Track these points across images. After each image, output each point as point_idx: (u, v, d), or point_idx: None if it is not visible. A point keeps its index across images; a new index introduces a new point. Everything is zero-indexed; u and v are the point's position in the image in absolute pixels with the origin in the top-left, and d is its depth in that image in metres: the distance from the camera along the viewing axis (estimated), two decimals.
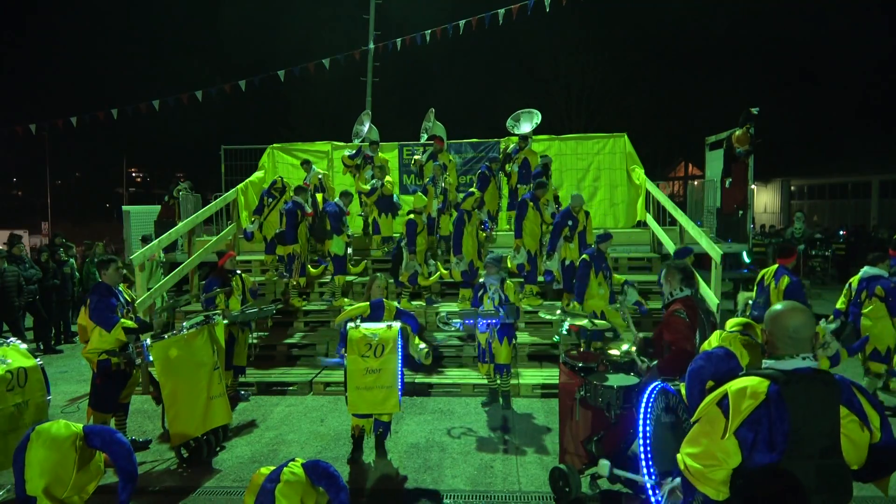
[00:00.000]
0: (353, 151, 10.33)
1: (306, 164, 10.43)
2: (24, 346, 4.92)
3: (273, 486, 3.25)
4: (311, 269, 9.17)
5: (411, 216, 8.43)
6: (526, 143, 9.89)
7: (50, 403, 4.87)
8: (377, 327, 4.96)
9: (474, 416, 6.30)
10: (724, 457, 2.13)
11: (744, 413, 2.10)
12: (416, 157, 10.65)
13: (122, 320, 5.20)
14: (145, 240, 10.82)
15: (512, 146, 10.19)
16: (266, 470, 3.41)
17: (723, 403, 2.17)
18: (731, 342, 3.03)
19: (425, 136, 10.89)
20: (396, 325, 5.00)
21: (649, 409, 3.06)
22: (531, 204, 8.37)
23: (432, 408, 6.55)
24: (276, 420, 6.29)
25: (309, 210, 8.82)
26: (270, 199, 9.10)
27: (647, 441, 3.00)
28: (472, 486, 4.73)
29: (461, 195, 8.71)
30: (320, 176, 10.30)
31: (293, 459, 3.47)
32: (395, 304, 5.55)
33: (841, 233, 17.09)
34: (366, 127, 10.93)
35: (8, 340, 4.88)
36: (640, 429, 3.03)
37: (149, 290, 7.98)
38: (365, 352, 4.83)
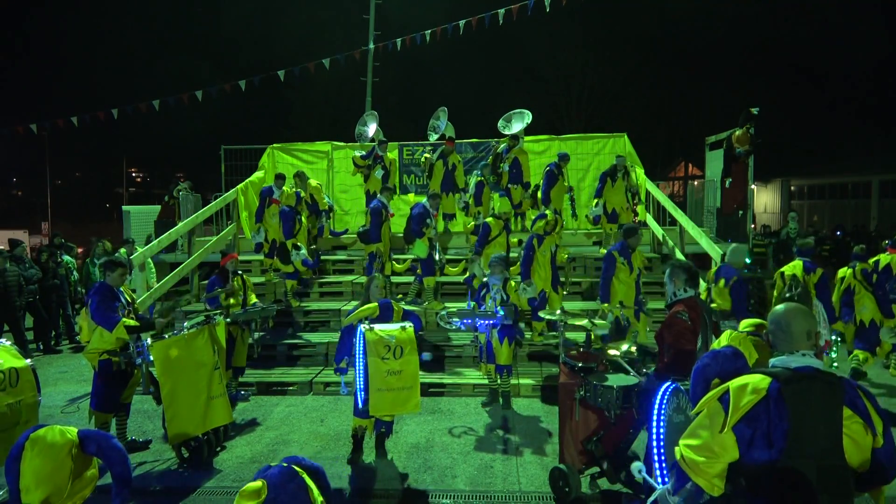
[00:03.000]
0: (365, 153, 10.26)
1: (280, 180, 9.52)
2: (8, 344, 4.82)
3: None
4: (397, 266, 9.03)
5: (489, 219, 7.98)
6: (516, 143, 9.88)
7: (42, 404, 4.78)
8: (392, 329, 4.95)
9: (474, 416, 6.29)
10: (721, 451, 2.15)
11: (743, 409, 2.12)
12: (426, 155, 10.57)
13: (124, 319, 5.21)
14: (132, 243, 10.85)
15: (503, 146, 10.19)
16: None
17: (724, 398, 2.20)
18: (740, 342, 3.03)
19: (435, 136, 10.79)
20: (409, 326, 5.01)
21: (662, 410, 3.04)
22: (620, 258, 6.81)
23: (432, 408, 6.55)
24: (277, 420, 6.29)
25: (392, 212, 8.71)
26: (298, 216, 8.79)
27: (661, 442, 2.98)
28: (473, 486, 4.73)
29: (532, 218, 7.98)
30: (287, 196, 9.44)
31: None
32: (402, 304, 5.56)
33: (839, 234, 17.12)
34: (368, 128, 10.91)
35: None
36: (654, 429, 3.01)
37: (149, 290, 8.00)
38: (384, 354, 4.82)
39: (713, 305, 6.25)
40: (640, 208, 10.17)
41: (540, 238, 7.37)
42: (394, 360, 4.80)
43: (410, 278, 9.21)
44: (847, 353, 7.37)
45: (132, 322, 5.27)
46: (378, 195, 8.89)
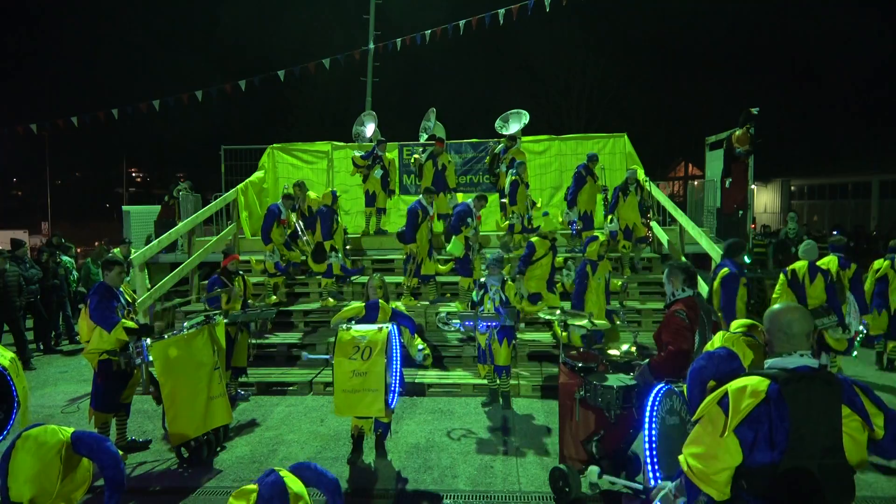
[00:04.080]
0: (365, 153, 10.24)
1: (288, 199, 9.17)
2: None
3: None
4: (440, 267, 8.87)
5: (534, 238, 7.42)
6: (514, 144, 9.86)
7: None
8: (367, 329, 4.86)
9: (474, 416, 6.29)
10: (725, 455, 2.14)
11: (743, 412, 2.11)
12: (415, 156, 10.62)
13: (123, 321, 5.20)
14: (128, 243, 10.87)
15: (500, 147, 10.17)
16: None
17: (723, 402, 2.19)
18: (734, 343, 3.03)
19: (425, 136, 10.84)
20: (386, 326, 4.88)
21: (654, 411, 3.03)
22: (742, 279, 5.93)
23: (432, 408, 6.55)
24: (276, 420, 6.29)
25: (431, 213, 8.64)
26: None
27: (653, 444, 2.98)
28: (473, 487, 4.73)
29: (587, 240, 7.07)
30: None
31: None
32: (391, 305, 5.52)
33: (835, 233, 17.10)
34: (365, 128, 10.91)
35: None
36: (646, 431, 3.01)
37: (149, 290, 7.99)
38: (352, 354, 4.72)
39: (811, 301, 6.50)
40: (653, 223, 9.84)
41: (594, 264, 6.69)
42: (360, 361, 4.69)
43: (448, 278, 9.12)
44: (874, 339, 7.63)
45: (130, 324, 5.27)
46: (420, 196, 8.70)
